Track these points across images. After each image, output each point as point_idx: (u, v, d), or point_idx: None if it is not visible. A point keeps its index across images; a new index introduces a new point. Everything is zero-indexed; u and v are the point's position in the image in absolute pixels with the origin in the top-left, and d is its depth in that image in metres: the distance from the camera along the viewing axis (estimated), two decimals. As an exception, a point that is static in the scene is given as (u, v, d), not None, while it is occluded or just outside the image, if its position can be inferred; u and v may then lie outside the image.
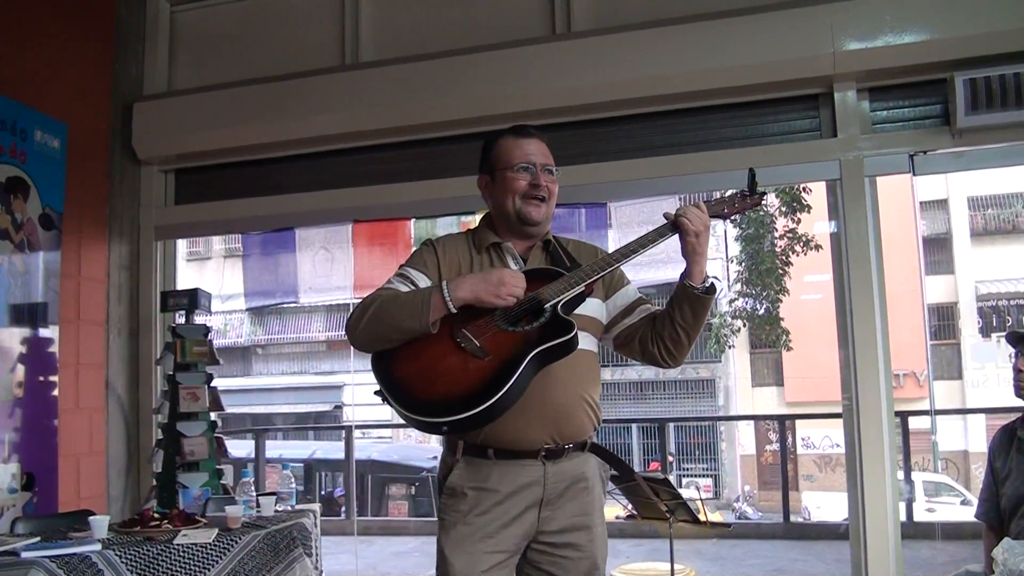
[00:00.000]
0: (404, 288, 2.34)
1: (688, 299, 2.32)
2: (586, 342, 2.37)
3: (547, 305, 2.22)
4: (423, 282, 2.36)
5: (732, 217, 2.44)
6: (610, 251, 2.46)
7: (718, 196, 2.46)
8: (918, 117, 3.96)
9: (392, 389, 2.20)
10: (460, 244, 2.50)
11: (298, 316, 19.47)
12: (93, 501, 4.37)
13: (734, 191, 2.43)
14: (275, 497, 3.74)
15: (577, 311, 2.30)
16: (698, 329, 2.38)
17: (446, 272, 2.39)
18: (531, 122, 4.16)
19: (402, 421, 2.21)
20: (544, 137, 2.49)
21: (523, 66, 4.23)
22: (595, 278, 2.29)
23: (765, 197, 2.47)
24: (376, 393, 2.22)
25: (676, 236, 2.31)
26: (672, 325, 2.36)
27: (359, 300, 2.33)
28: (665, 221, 2.33)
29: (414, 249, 2.57)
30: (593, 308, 2.42)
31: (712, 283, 2.35)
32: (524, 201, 2.40)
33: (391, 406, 2.18)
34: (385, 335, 2.24)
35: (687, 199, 4.14)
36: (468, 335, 2.20)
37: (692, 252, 2.29)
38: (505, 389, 2.08)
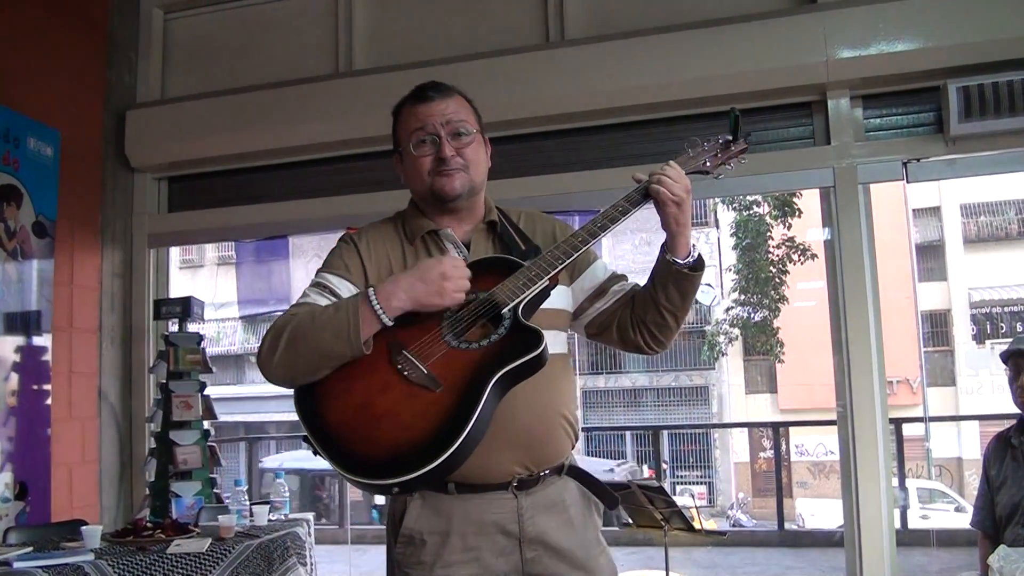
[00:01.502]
0: (323, 301, 1.88)
1: (672, 277, 1.93)
2: (555, 343, 1.92)
3: (505, 310, 1.79)
4: (346, 290, 1.91)
5: (716, 170, 2.06)
6: (569, 229, 2.06)
7: (696, 148, 2.07)
8: (911, 125, 3.96)
9: (322, 440, 1.72)
10: (388, 234, 2.07)
11: (292, 324, 19.42)
12: (86, 510, 4.34)
13: (714, 138, 2.09)
14: (268, 506, 3.73)
15: (544, 305, 1.89)
16: (686, 309, 2.00)
17: (373, 272, 1.97)
18: (525, 131, 4.23)
19: None
20: (453, 90, 2.07)
21: (516, 74, 4.23)
22: (559, 268, 1.86)
23: (750, 141, 2.11)
24: (304, 441, 1.75)
25: (652, 206, 1.94)
26: (656, 308, 1.97)
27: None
28: (636, 185, 1.96)
29: (331, 249, 2.09)
30: (557, 298, 1.96)
31: (699, 256, 1.95)
32: (433, 178, 1.97)
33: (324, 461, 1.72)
34: (307, 365, 1.77)
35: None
36: (411, 358, 1.75)
37: (673, 223, 1.91)
38: (466, 432, 1.64)
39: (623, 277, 2.12)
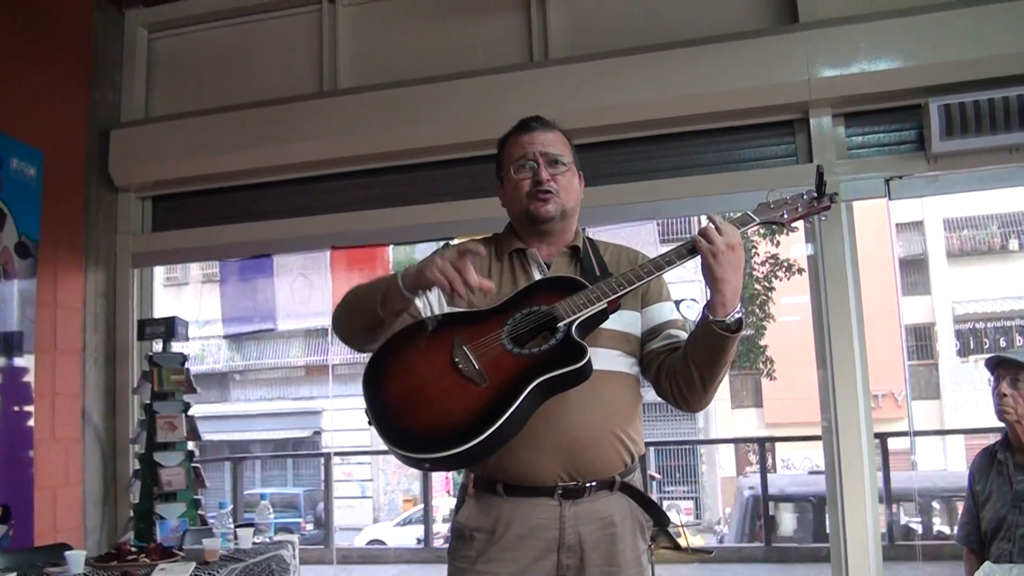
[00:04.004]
0: None
1: (704, 333, 1.96)
2: (618, 363, 2.08)
3: (561, 324, 1.92)
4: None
5: (792, 224, 2.10)
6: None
7: (777, 198, 2.11)
8: (893, 142, 3.99)
9: (376, 411, 1.91)
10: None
11: (276, 341, 19.38)
12: (69, 533, 4.30)
13: (798, 191, 2.10)
14: (253, 528, 3.71)
15: (608, 325, 2.02)
16: (716, 374, 2.01)
17: None
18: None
19: (386, 449, 1.87)
20: (552, 126, 2.25)
21: (501, 93, 4.24)
22: (619, 294, 1.97)
23: (836, 199, 2.14)
24: (365, 412, 1.94)
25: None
26: (685, 361, 2.02)
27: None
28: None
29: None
30: (628, 322, 2.11)
31: (739, 319, 1.96)
32: (530, 200, 2.15)
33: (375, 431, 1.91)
34: (349, 322, 2.09)
35: (665, 224, 4.15)
36: (467, 354, 1.91)
37: (710, 276, 1.93)
38: (496, 425, 1.77)
39: (682, 327, 2.19)
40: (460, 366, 1.90)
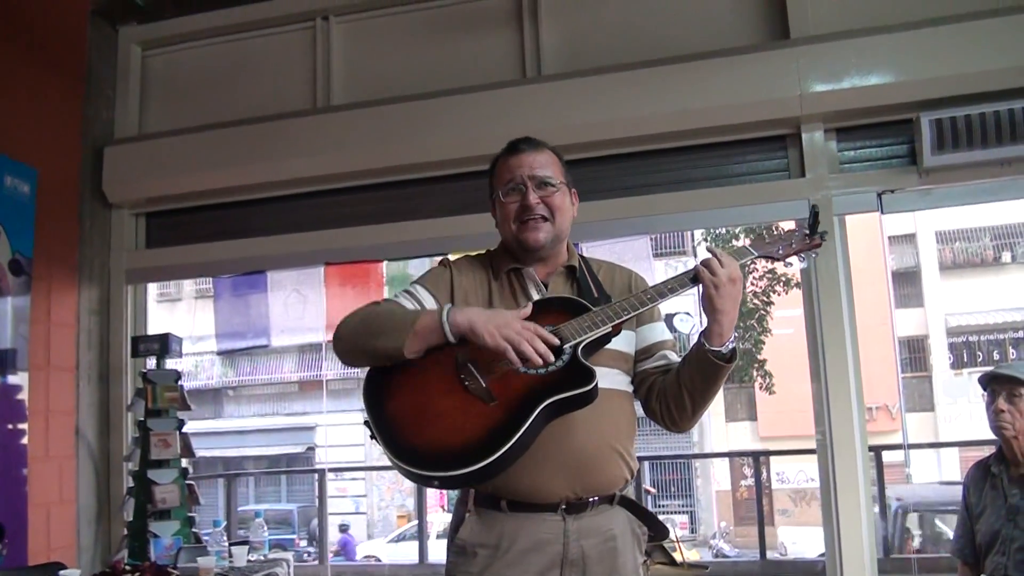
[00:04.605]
0: (408, 304, 2.10)
1: (699, 361, 2.00)
2: (618, 381, 2.10)
3: (567, 345, 1.92)
4: (429, 303, 2.11)
5: (787, 259, 2.16)
6: (645, 282, 2.23)
7: (775, 232, 2.15)
8: (885, 157, 4.01)
9: (380, 424, 1.89)
10: (478, 268, 2.24)
11: (269, 357, 19.32)
12: (63, 552, 4.29)
13: (793, 228, 2.17)
14: (248, 547, 3.70)
15: (609, 345, 2.04)
16: (707, 399, 2.06)
17: (460, 297, 2.14)
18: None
19: (380, 464, 1.98)
20: (542, 145, 2.23)
21: (494, 109, 4.26)
22: (624, 319, 1.99)
23: (826, 238, 2.20)
24: (365, 424, 1.93)
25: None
26: (677, 384, 2.06)
27: (332, 341, 2.07)
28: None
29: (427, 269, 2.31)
30: (625, 341, 2.13)
31: (733, 349, 2.01)
32: (519, 226, 2.14)
33: (377, 444, 1.90)
34: (362, 347, 1.99)
35: (658, 239, 4.16)
36: (474, 372, 1.91)
37: (710, 306, 1.98)
38: (508, 446, 1.78)
39: (674, 348, 2.22)
40: (467, 383, 1.90)
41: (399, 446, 1.86)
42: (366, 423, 1.91)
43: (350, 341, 2.01)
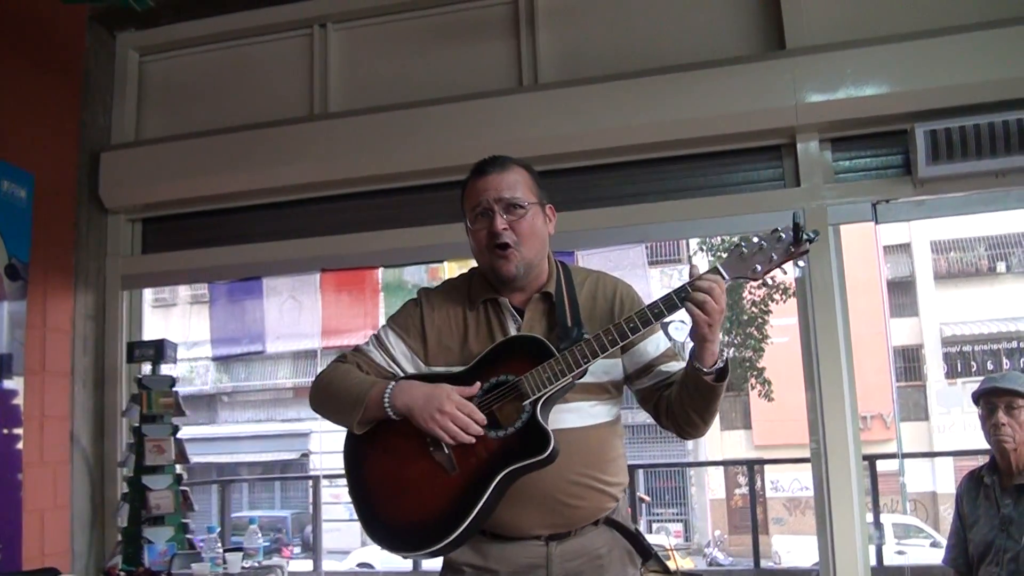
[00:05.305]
0: (377, 357, 2.13)
1: (695, 383, 1.97)
2: (594, 414, 2.07)
3: (526, 403, 1.92)
4: (399, 351, 2.13)
5: (767, 275, 2.00)
6: (631, 298, 2.18)
7: (751, 247, 1.96)
8: (880, 167, 4.02)
9: (358, 493, 2.03)
10: (454, 299, 2.19)
11: (264, 363, 19.31)
12: (57, 558, 4.28)
13: (772, 239, 1.97)
14: (242, 553, 3.70)
15: (583, 379, 2.01)
16: (712, 412, 2.03)
17: (432, 335, 2.13)
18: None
19: None
20: (511, 163, 2.15)
21: (490, 117, 4.27)
22: (584, 367, 1.95)
23: (816, 238, 1.96)
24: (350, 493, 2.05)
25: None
26: (682, 407, 2.03)
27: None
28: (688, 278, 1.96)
29: (406, 300, 2.28)
30: (605, 369, 2.09)
31: (725, 364, 1.97)
32: (491, 255, 2.08)
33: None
34: (324, 416, 2.12)
35: (654, 247, 4.16)
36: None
37: (700, 338, 1.92)
38: (468, 522, 1.87)
39: (674, 356, 2.17)
40: (431, 449, 1.96)
41: (370, 520, 2.00)
42: (350, 492, 2.05)
43: (316, 406, 2.14)
